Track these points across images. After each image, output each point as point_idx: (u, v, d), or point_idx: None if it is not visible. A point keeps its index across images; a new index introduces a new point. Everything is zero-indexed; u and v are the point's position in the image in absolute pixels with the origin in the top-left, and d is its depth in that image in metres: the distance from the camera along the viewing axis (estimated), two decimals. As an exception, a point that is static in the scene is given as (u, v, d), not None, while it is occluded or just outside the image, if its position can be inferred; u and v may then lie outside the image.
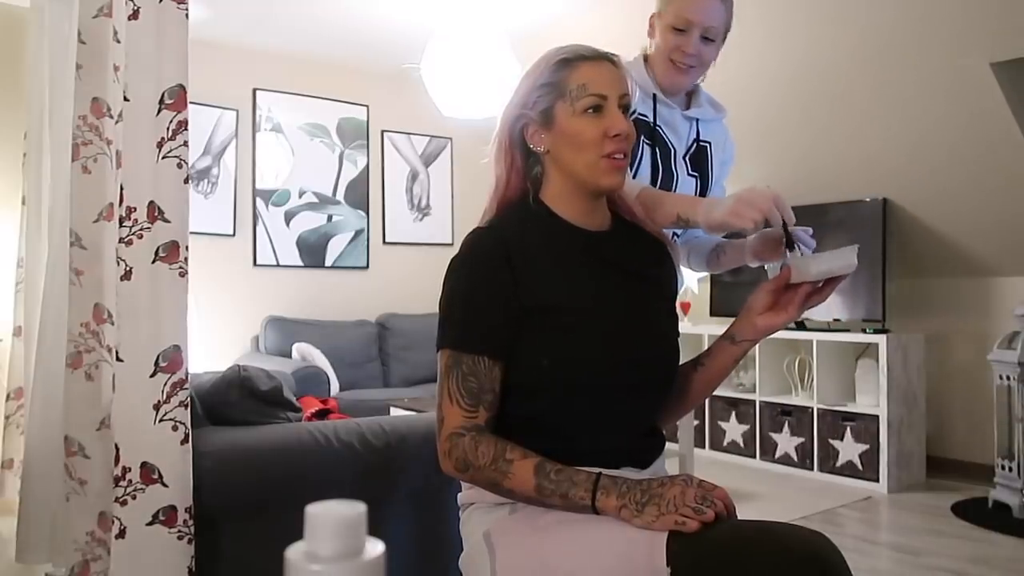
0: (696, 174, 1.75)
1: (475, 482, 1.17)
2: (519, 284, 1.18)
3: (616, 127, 1.20)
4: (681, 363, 1.36)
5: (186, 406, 1.87)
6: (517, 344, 1.18)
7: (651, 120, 1.67)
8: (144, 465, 1.81)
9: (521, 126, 1.27)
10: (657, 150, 1.69)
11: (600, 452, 1.18)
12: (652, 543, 1.02)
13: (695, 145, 1.76)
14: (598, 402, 1.20)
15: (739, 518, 1.10)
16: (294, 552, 0.48)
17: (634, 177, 1.64)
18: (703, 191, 1.76)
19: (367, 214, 5.48)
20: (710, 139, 1.78)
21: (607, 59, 1.24)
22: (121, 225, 1.86)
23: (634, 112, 1.53)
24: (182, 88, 1.86)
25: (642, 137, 1.66)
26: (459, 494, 1.29)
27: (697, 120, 1.76)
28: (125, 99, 1.88)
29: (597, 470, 1.11)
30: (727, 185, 1.88)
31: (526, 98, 1.25)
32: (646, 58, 1.73)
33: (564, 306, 1.20)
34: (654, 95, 1.68)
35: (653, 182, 1.68)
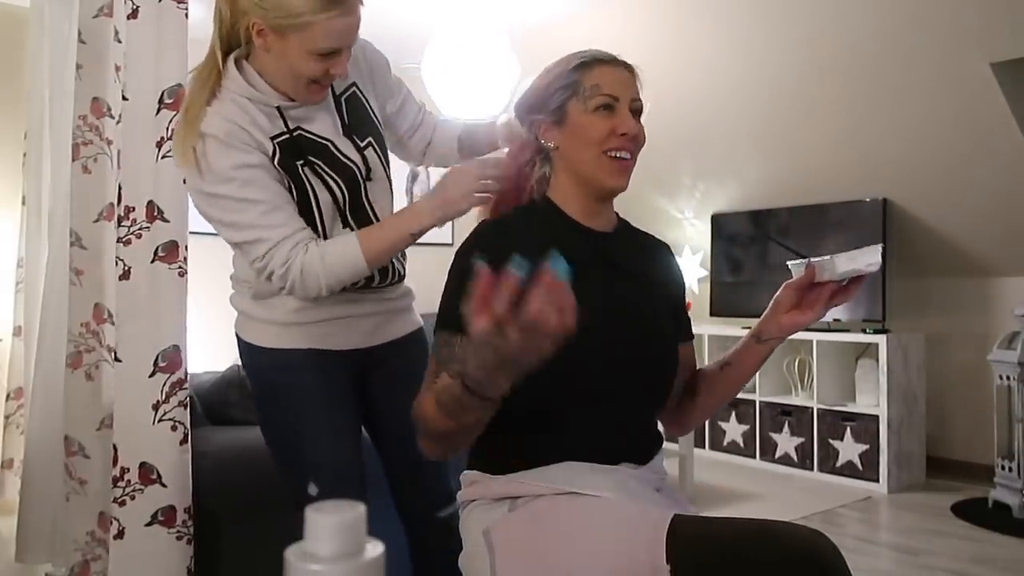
0: (367, 142, 1.51)
1: (432, 438, 1.10)
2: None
3: (624, 126, 1.23)
4: (707, 364, 1.38)
5: (185, 406, 1.87)
6: None
7: (287, 131, 1.43)
8: (143, 465, 1.81)
9: (531, 122, 1.29)
10: (315, 163, 1.44)
11: (598, 451, 1.18)
12: (653, 541, 1.02)
13: (344, 106, 1.50)
14: (597, 402, 1.20)
15: (738, 516, 1.10)
16: (294, 552, 0.48)
17: (319, 210, 1.45)
18: (381, 137, 1.55)
19: (367, 214, 5.46)
20: (352, 79, 1.52)
21: (623, 65, 1.27)
22: (120, 225, 1.86)
23: (291, 136, 1.40)
24: (182, 87, 1.86)
25: (298, 165, 1.42)
26: (458, 492, 1.29)
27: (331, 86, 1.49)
28: (124, 98, 1.88)
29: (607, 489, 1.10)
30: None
31: (541, 98, 1.28)
32: (238, 63, 1.42)
33: None
34: (278, 107, 1.42)
35: (345, 196, 1.47)
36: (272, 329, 1.53)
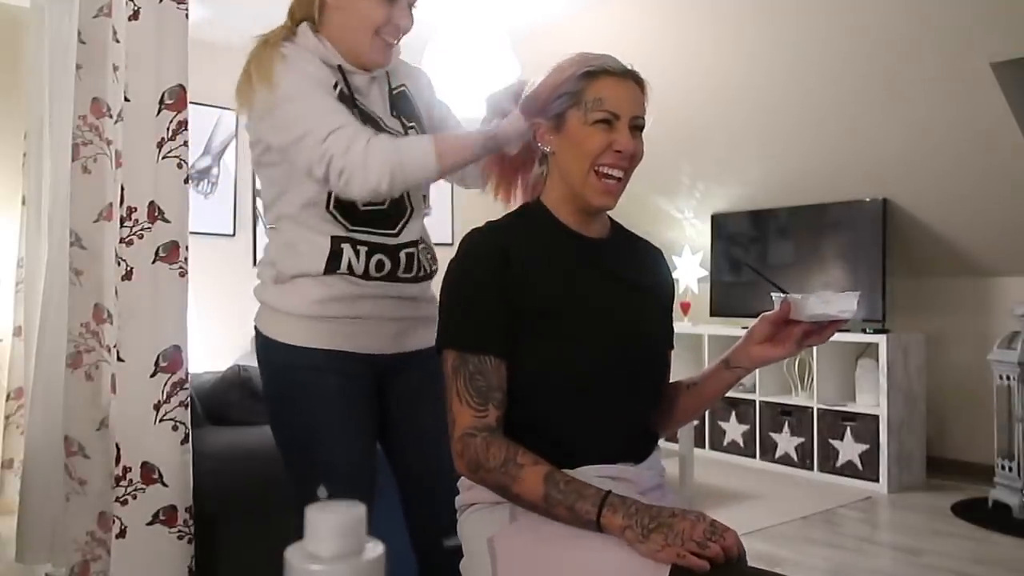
0: (412, 124, 1.60)
1: (484, 483, 1.16)
2: (515, 285, 1.19)
3: (621, 144, 1.21)
4: (677, 380, 1.37)
5: (186, 406, 1.87)
6: (511, 346, 1.19)
7: (348, 91, 1.51)
8: (144, 465, 1.81)
9: (531, 123, 1.29)
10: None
11: (595, 452, 1.19)
12: (656, 569, 1.02)
13: (395, 96, 1.60)
14: (592, 406, 1.21)
15: (738, 527, 1.10)
16: (294, 552, 0.48)
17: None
18: (424, 129, 1.63)
19: (367, 214, 5.47)
20: (403, 81, 1.63)
21: (632, 78, 1.25)
22: (122, 225, 1.86)
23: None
24: (182, 88, 1.86)
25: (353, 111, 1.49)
26: (457, 497, 1.29)
27: (386, 72, 1.60)
28: (125, 99, 1.88)
29: (608, 488, 1.09)
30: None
31: (544, 101, 1.27)
32: (313, 28, 1.52)
33: (557, 312, 1.21)
34: (339, 66, 1.51)
35: None
36: (295, 324, 1.50)
